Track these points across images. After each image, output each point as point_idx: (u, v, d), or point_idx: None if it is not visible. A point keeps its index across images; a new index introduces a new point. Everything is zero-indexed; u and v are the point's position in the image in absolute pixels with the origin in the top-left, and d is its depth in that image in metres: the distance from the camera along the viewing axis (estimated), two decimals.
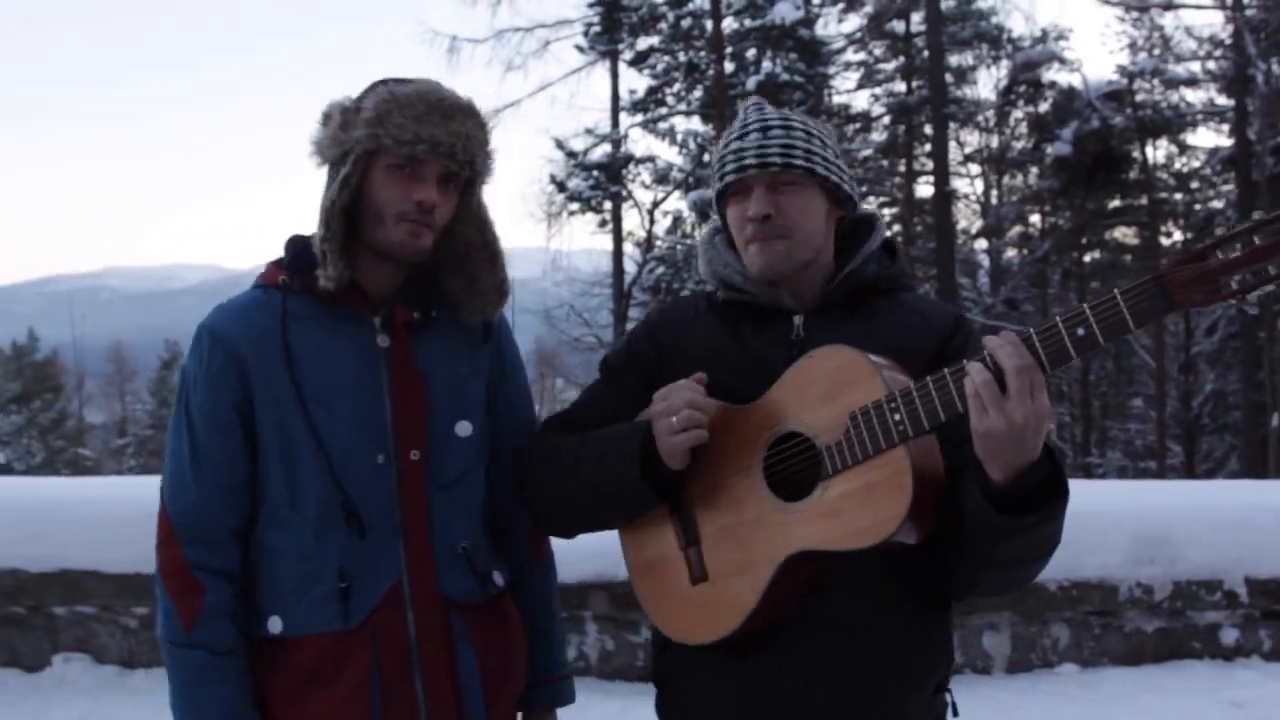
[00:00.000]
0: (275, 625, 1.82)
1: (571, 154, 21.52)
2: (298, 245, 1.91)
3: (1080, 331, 1.43)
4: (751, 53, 20.33)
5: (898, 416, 1.54)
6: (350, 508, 1.80)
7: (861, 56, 23.77)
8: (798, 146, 1.76)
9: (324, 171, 1.86)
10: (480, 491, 1.94)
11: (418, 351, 1.88)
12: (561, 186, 21.56)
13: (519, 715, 2.03)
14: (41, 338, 41.71)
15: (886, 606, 1.73)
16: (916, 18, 22.12)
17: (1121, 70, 21.32)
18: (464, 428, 1.90)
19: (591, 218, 22.41)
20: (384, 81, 1.85)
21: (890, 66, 24.09)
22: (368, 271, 1.85)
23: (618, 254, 22.61)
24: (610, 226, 22.55)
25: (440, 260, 1.91)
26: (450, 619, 1.86)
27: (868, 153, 23.53)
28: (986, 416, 1.44)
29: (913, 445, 1.54)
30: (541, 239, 22.23)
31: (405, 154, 1.78)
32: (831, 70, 21.97)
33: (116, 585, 4.99)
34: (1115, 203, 23.17)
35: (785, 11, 18.92)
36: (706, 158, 22.04)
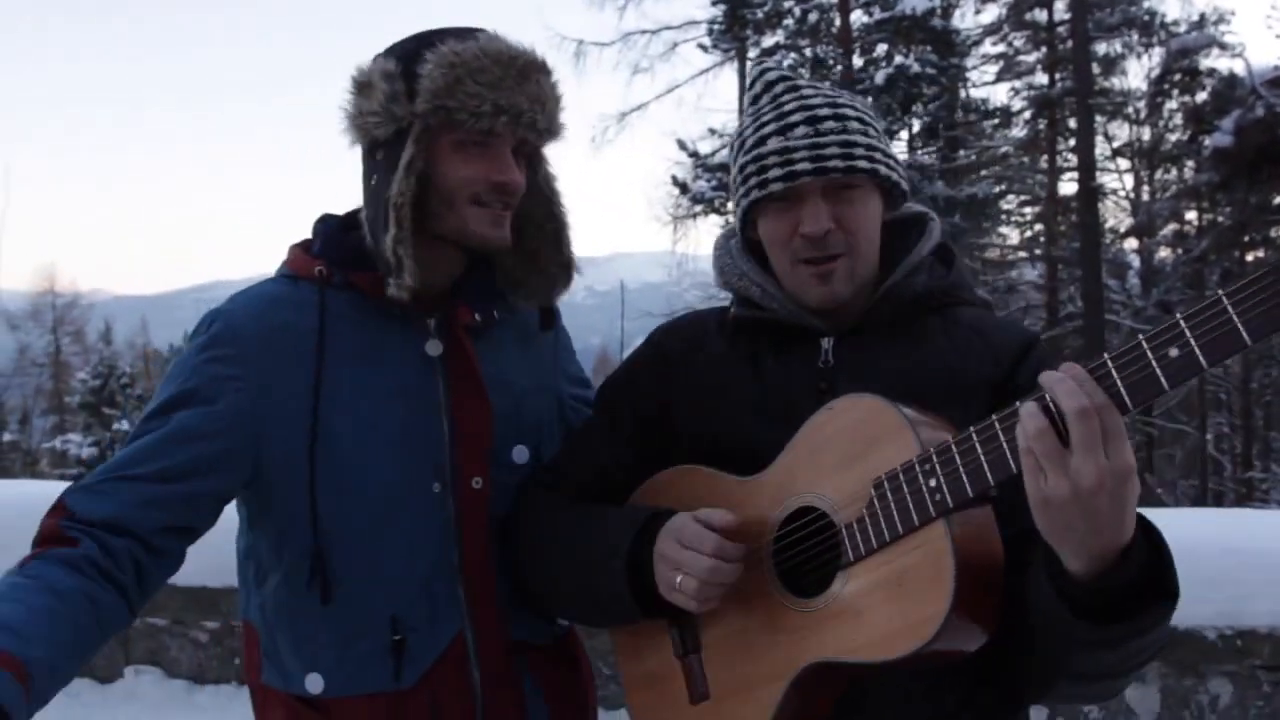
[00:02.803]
0: (315, 684, 1.51)
1: (695, 155, 21.37)
2: (331, 228, 1.58)
3: (1173, 353, 1.01)
4: (881, 47, 19.76)
5: (933, 482, 1.16)
6: (413, 541, 1.51)
7: (1001, 49, 23.03)
8: (857, 143, 1.40)
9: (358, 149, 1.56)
10: None
11: (479, 359, 1.57)
12: (684, 188, 21.42)
13: None
14: None
15: None
16: (1060, 5, 21.38)
17: None
18: (520, 453, 1.61)
19: (716, 220, 22.22)
20: (437, 36, 1.50)
21: (1031, 58, 23.31)
22: (429, 266, 1.53)
23: None
24: None
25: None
26: (517, 668, 1.56)
27: (1007, 149, 22.78)
28: (1043, 480, 1.07)
29: (956, 520, 1.14)
30: (668, 243, 21.97)
31: (484, 128, 1.45)
32: (968, 63, 21.27)
33: (186, 598, 4.89)
34: None
35: (917, 1, 18.29)
36: None
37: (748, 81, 1.55)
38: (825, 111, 1.43)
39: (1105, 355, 1.06)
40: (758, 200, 1.45)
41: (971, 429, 1.16)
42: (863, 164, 1.41)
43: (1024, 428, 1.08)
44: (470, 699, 1.55)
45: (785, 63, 21.07)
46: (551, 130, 1.56)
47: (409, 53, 1.51)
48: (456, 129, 1.48)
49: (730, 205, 1.52)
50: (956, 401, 1.32)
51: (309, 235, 1.64)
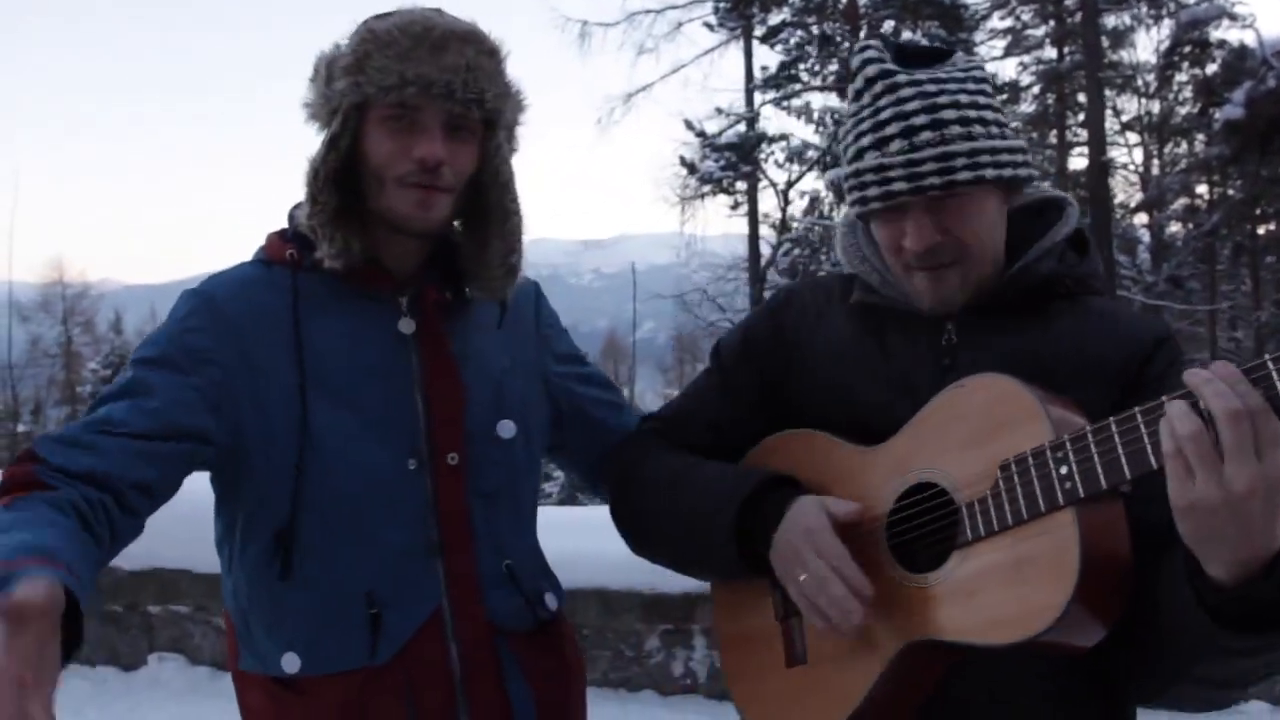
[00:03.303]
0: (291, 664, 1.51)
1: (703, 135, 21.29)
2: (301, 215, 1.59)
3: None
4: (889, 23, 19.63)
5: (1064, 470, 1.14)
6: (375, 521, 1.50)
7: (1009, 23, 22.82)
8: (957, 152, 1.32)
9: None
10: (526, 502, 1.68)
11: (451, 338, 1.57)
12: (693, 169, 21.37)
13: None
14: None
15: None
16: None
17: None
18: (506, 428, 1.60)
19: (725, 200, 22.22)
20: (372, 18, 1.52)
21: (1040, 32, 23.09)
22: (385, 245, 1.53)
23: (753, 236, 22.33)
24: (744, 208, 22.24)
25: (463, 220, 1.60)
26: (499, 649, 1.55)
27: (1016, 124, 22.64)
28: (1190, 484, 1.03)
29: (1085, 511, 1.12)
30: (677, 224, 21.91)
31: (394, 101, 1.45)
32: (976, 38, 21.10)
33: (208, 585, 4.94)
34: None
35: None
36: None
37: (853, 64, 1.46)
38: (921, 120, 1.34)
39: (1266, 356, 1.02)
40: (861, 213, 1.43)
41: (1111, 420, 1.12)
42: (964, 175, 1.33)
43: (1174, 428, 1.03)
44: (448, 676, 1.54)
45: (792, 40, 20.96)
46: (483, 102, 1.51)
47: (349, 36, 1.53)
48: (375, 105, 1.48)
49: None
50: (1082, 385, 1.29)
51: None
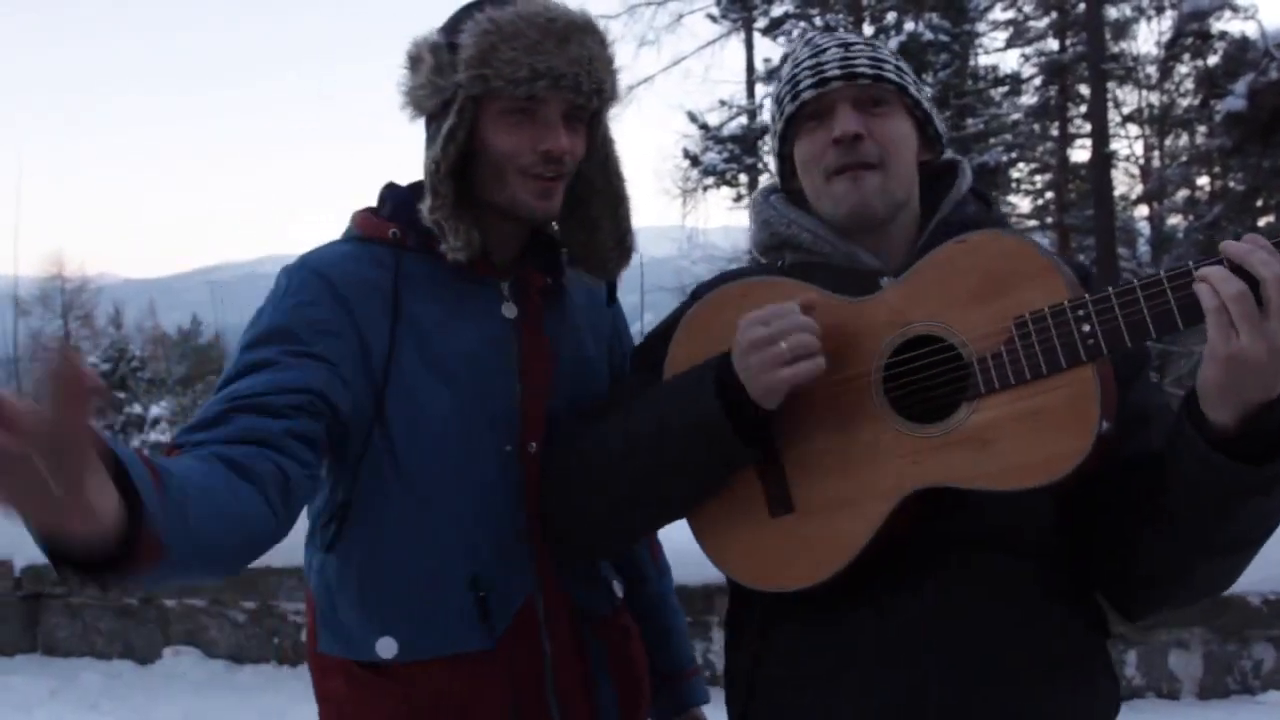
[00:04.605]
0: (388, 649, 1.49)
1: (705, 127, 21.28)
2: (401, 194, 1.58)
3: None
4: (891, 15, 19.60)
5: (1087, 328, 1.20)
6: (488, 500, 1.51)
7: (1011, 14, 22.80)
8: (886, 60, 1.43)
9: (421, 124, 1.56)
10: None
11: (546, 324, 1.59)
12: (695, 161, 21.36)
13: None
14: (204, 323, 43.77)
15: (1031, 624, 1.38)
16: None
17: None
18: None
19: (727, 192, 22.19)
20: (477, 4, 1.50)
21: (1042, 23, 23.06)
22: (491, 232, 1.54)
23: None
24: (746, 201, 22.19)
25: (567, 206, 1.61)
26: (584, 635, 1.58)
27: (1017, 116, 22.62)
28: (1235, 338, 1.13)
29: (1100, 366, 1.20)
30: (677, 217, 21.90)
31: (522, 95, 1.45)
32: (979, 29, 21.09)
33: (225, 578, 4.88)
34: None
35: None
36: None
37: (792, 54, 1.58)
38: (855, 39, 1.50)
39: None
40: (792, 118, 1.48)
41: (1135, 281, 1.19)
42: (891, 75, 1.45)
43: (1217, 288, 1.13)
44: (540, 664, 1.55)
45: (794, 32, 20.93)
46: (602, 92, 1.54)
47: (451, 24, 1.52)
48: (498, 97, 1.47)
49: (767, 153, 1.57)
50: None
51: (374, 204, 1.63)
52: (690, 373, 1.40)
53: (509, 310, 1.58)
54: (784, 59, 1.58)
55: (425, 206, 1.49)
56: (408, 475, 1.50)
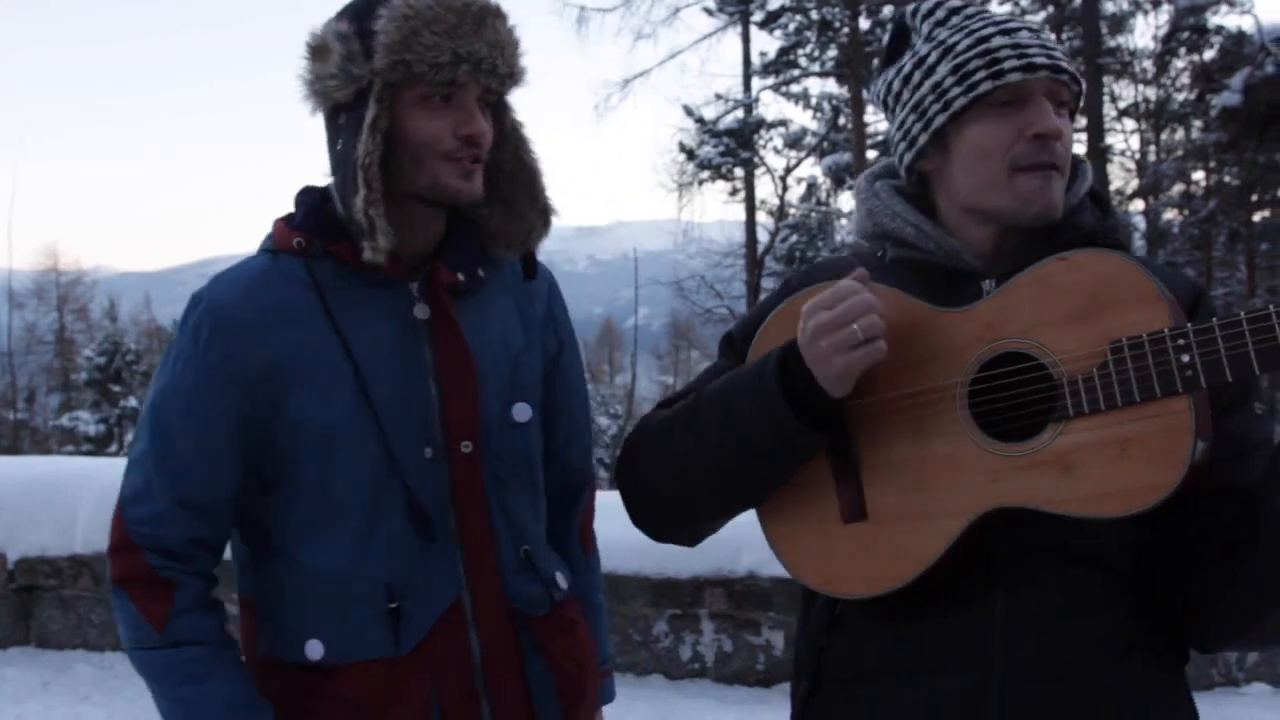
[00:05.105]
0: (315, 650, 1.51)
1: (701, 121, 21.28)
2: (313, 199, 1.57)
3: None
4: (888, 9, 19.58)
5: (1186, 358, 1.15)
6: (417, 506, 1.50)
7: (1007, 8, 22.78)
8: (1069, 59, 1.35)
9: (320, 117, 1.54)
10: (540, 485, 1.67)
11: (464, 321, 1.55)
12: (691, 154, 21.39)
13: None
14: None
15: (1098, 648, 1.33)
16: None
17: None
18: (522, 411, 1.60)
19: (723, 186, 22.28)
20: None
21: (1039, 17, 23.05)
22: (402, 229, 1.51)
23: (750, 223, 22.33)
24: (742, 195, 22.25)
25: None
26: (519, 634, 1.56)
27: None
28: None
29: (1197, 399, 1.16)
30: (673, 211, 21.92)
31: (444, 79, 1.43)
32: None
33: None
34: None
35: None
36: (842, 120, 21.53)
37: (913, 16, 1.46)
38: (1035, 26, 1.39)
39: None
40: (979, 99, 1.35)
41: (1241, 313, 1.14)
42: (1079, 75, 1.37)
43: None
44: (469, 662, 1.55)
45: (791, 26, 20.90)
46: (513, 75, 1.53)
47: (361, 10, 1.48)
48: (418, 83, 1.46)
49: (896, 136, 1.46)
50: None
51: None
52: (757, 362, 1.37)
53: (421, 311, 1.55)
54: (934, 21, 1.42)
55: (359, 200, 1.45)
56: (321, 485, 1.51)
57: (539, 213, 1.62)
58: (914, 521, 1.31)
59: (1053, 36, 1.38)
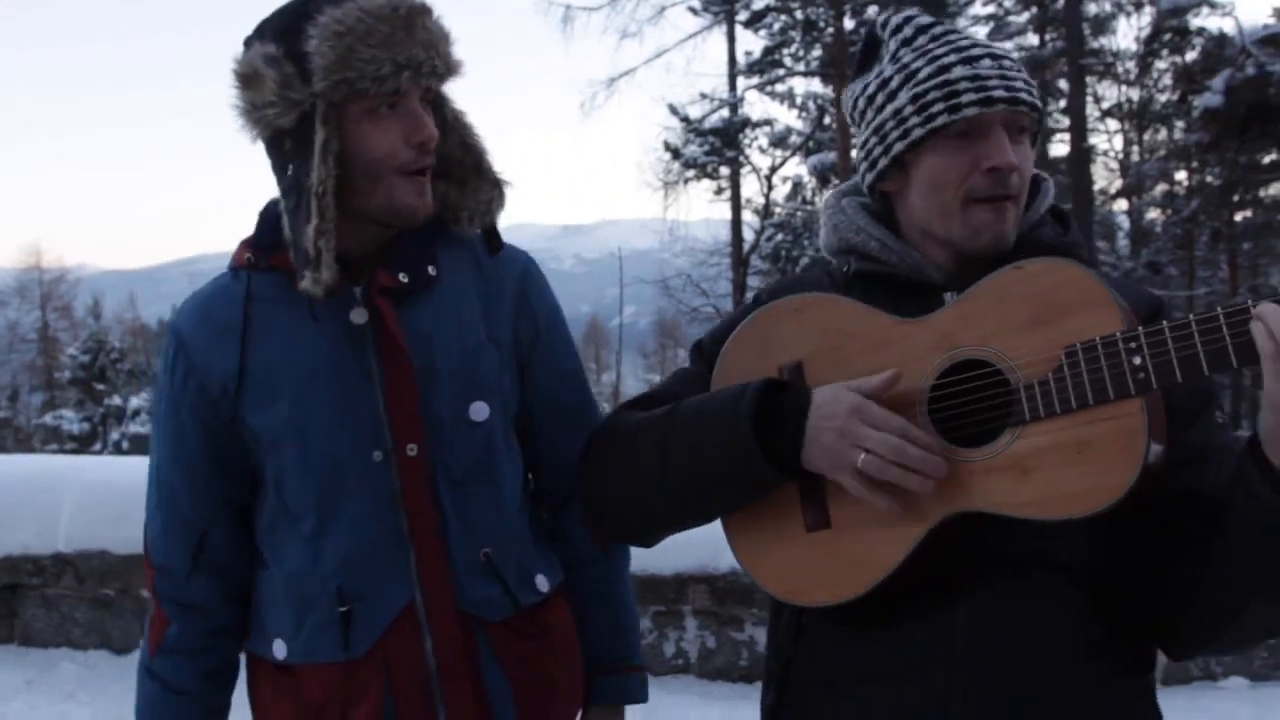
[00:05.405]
0: (279, 650, 1.55)
1: (687, 120, 21.30)
2: (269, 214, 1.57)
3: None
4: (872, 9, 19.64)
5: (1138, 360, 1.17)
6: (356, 509, 1.52)
7: (991, 9, 22.89)
8: (1031, 82, 1.36)
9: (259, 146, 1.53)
10: (507, 484, 1.62)
11: (409, 322, 1.53)
12: (676, 154, 21.40)
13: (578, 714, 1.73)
14: None
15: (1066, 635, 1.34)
16: None
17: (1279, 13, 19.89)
18: (479, 410, 1.56)
19: (708, 185, 22.28)
20: (306, 8, 1.44)
21: (1022, 18, 23.14)
22: (345, 237, 1.48)
23: (736, 222, 22.35)
24: (728, 194, 22.28)
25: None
26: (475, 638, 1.55)
27: None
28: None
29: (1150, 400, 1.18)
30: (659, 209, 21.93)
31: (389, 90, 1.42)
32: (960, 24, 21.13)
33: None
34: (1271, 156, 21.64)
35: None
36: (827, 120, 21.58)
37: (882, 29, 1.47)
38: (999, 51, 1.38)
39: None
40: (936, 130, 1.36)
41: (1190, 316, 1.16)
42: (1038, 101, 1.38)
43: (1273, 329, 1.10)
44: (423, 666, 1.54)
45: (776, 25, 20.93)
46: (450, 69, 1.51)
47: (286, 30, 1.44)
48: (362, 98, 1.43)
49: (860, 154, 1.48)
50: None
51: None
52: (732, 392, 1.37)
53: (359, 315, 1.52)
54: (901, 39, 1.43)
55: (310, 230, 1.42)
56: (276, 489, 1.54)
57: (492, 184, 1.62)
58: (876, 528, 1.32)
59: (1015, 59, 1.40)
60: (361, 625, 1.52)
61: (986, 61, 1.36)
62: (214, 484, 1.56)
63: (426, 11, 1.48)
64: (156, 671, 1.59)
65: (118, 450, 28.55)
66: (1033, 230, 1.43)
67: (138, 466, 6.35)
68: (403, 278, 1.53)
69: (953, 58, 1.37)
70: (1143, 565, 1.33)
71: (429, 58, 1.45)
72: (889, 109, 1.40)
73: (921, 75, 1.37)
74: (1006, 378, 1.26)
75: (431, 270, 1.56)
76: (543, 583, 1.64)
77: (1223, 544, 1.22)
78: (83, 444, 29.40)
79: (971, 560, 1.32)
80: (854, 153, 1.51)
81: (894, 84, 1.40)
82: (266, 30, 1.47)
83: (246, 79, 1.46)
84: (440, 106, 1.56)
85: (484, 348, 1.59)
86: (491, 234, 1.63)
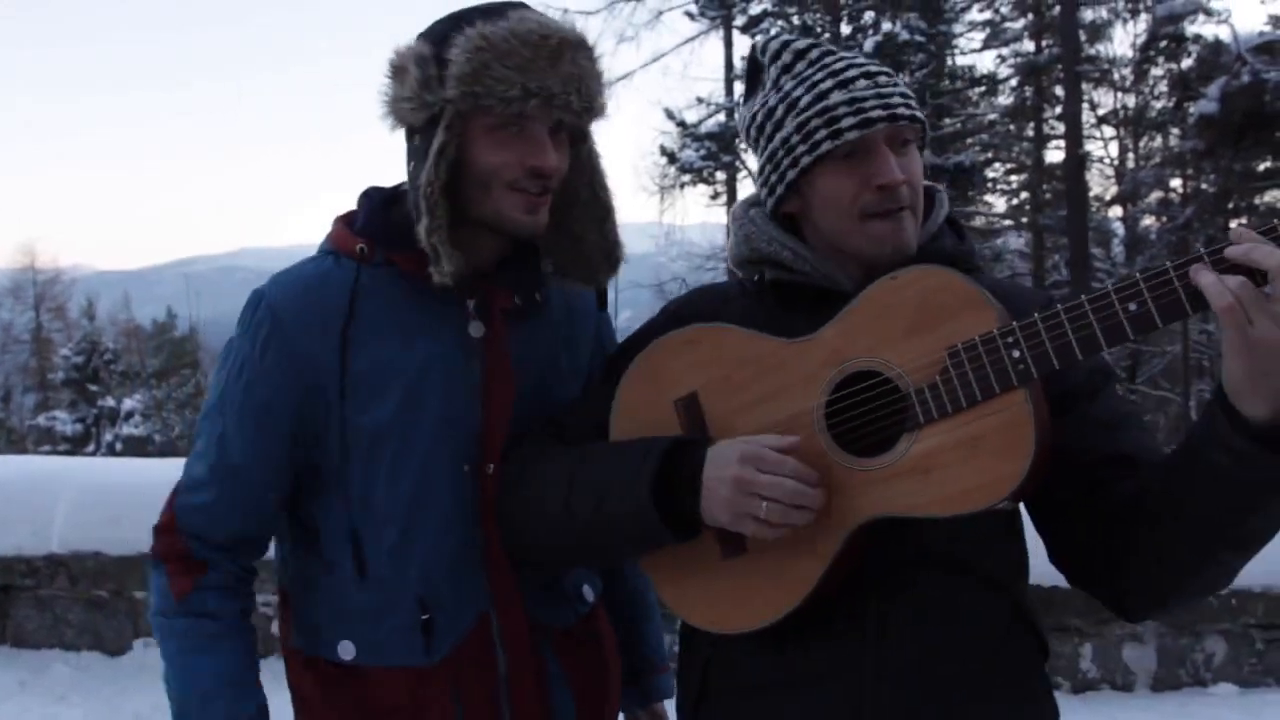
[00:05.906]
0: (347, 651, 1.55)
1: (683, 124, 21.29)
2: (375, 203, 1.57)
3: None
4: (869, 14, 19.68)
5: (1017, 354, 1.23)
6: (443, 519, 1.54)
7: (987, 15, 22.90)
8: (910, 94, 1.43)
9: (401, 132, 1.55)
10: None
11: (513, 344, 1.56)
12: (673, 158, 21.38)
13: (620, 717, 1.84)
14: (180, 316, 43.41)
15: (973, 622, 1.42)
16: None
17: (1275, 21, 19.99)
18: None
19: (704, 190, 22.23)
20: (466, 17, 1.47)
21: (1019, 24, 23.17)
22: (472, 247, 1.51)
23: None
24: (724, 198, 22.26)
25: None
26: (542, 650, 1.59)
27: (993, 116, 22.72)
28: (1251, 327, 1.13)
29: (1032, 389, 1.26)
30: (655, 214, 21.93)
31: (514, 113, 1.43)
32: (955, 30, 21.18)
33: None
34: (1266, 164, 21.71)
35: None
36: None
37: (762, 54, 1.53)
38: (874, 68, 1.45)
39: (1275, 220, 1.15)
40: (823, 156, 1.42)
41: (1059, 306, 1.22)
42: (918, 113, 1.44)
43: (1219, 283, 1.13)
44: (494, 679, 1.58)
45: (772, 30, 20.95)
46: (591, 110, 1.52)
47: (440, 35, 1.49)
48: (488, 113, 1.46)
49: (759, 179, 1.52)
50: None
51: (354, 207, 1.63)
52: (634, 454, 1.41)
53: (476, 329, 1.56)
54: (781, 65, 1.49)
55: (422, 228, 1.47)
56: (360, 494, 1.53)
57: (605, 253, 1.63)
58: (791, 547, 1.35)
59: (890, 71, 1.46)
60: (440, 633, 1.55)
61: (861, 83, 1.41)
62: (282, 463, 1.55)
63: (581, 47, 1.50)
64: (198, 608, 1.54)
65: (111, 452, 28.46)
66: (933, 241, 1.49)
67: (132, 469, 6.36)
68: (517, 299, 1.58)
69: (829, 83, 1.43)
70: (1080, 535, 1.37)
71: (565, 91, 1.46)
72: (778, 138, 1.46)
73: (802, 104, 1.43)
74: (897, 385, 1.31)
75: (538, 296, 1.60)
76: (589, 593, 1.71)
77: (1191, 500, 1.24)
78: (76, 445, 29.31)
79: (885, 565, 1.37)
80: (755, 174, 1.56)
81: (779, 113, 1.46)
82: (430, 31, 1.51)
83: (396, 71, 1.51)
84: (578, 143, 1.57)
85: (564, 376, 1.65)
86: (601, 296, 1.69)
